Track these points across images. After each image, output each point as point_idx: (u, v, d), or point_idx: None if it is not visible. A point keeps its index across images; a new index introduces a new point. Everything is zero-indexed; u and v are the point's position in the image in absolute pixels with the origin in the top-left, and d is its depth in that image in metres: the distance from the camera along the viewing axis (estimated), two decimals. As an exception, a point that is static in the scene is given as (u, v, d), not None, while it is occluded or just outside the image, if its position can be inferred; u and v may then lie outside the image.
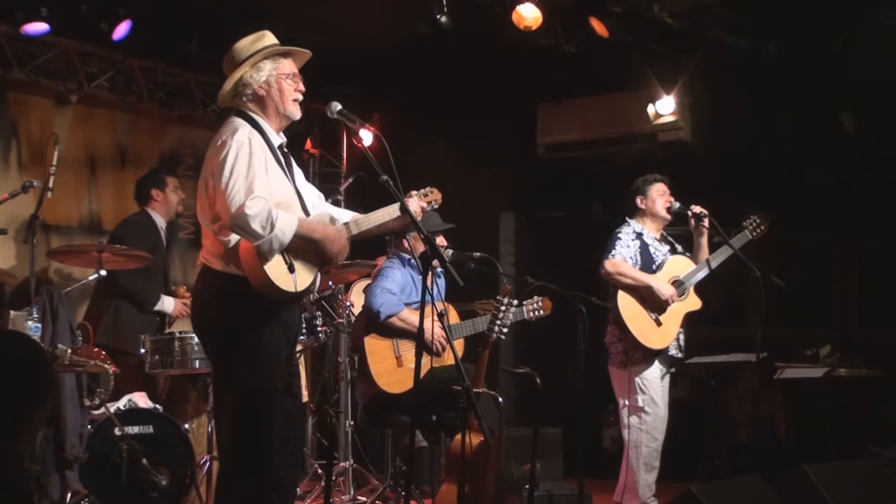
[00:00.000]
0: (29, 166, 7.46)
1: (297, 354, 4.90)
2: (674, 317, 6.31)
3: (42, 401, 2.66)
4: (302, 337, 6.05)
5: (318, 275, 4.56)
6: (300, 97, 4.59)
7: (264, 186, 4.28)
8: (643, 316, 6.25)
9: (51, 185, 5.99)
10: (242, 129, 4.38)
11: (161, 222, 7.23)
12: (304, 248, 4.40)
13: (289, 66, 4.56)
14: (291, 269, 4.32)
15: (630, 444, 6.29)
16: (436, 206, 5.07)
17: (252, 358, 4.36)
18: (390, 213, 4.65)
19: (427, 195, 4.99)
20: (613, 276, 6.28)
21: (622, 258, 6.29)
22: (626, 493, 6.26)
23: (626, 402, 6.31)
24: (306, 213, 4.56)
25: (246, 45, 4.55)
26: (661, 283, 6.26)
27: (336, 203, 7.36)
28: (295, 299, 4.50)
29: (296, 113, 4.59)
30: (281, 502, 4.51)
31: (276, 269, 4.28)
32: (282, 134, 4.62)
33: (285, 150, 4.61)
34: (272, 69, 4.52)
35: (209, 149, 4.43)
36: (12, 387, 2.59)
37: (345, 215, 4.72)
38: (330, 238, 4.46)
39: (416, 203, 4.85)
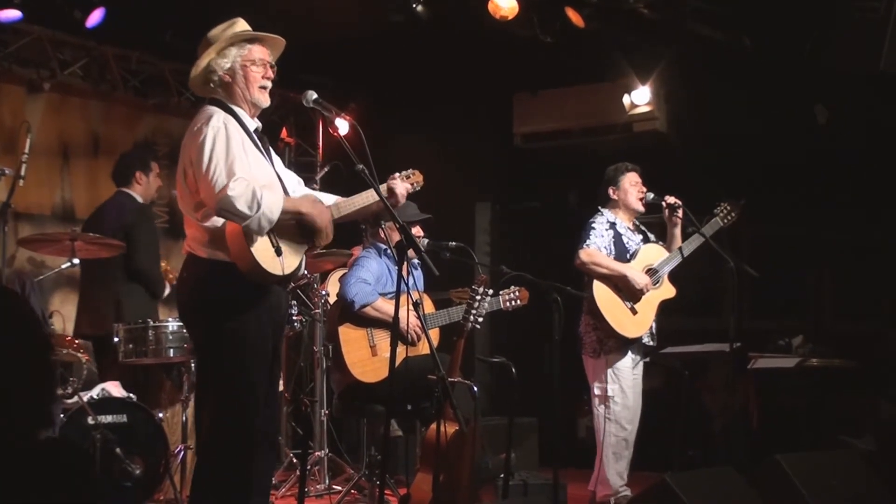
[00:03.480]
0: (0, 154, 7.40)
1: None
2: (649, 305, 6.33)
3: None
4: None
5: (304, 258, 4.53)
6: (268, 84, 4.53)
7: (245, 169, 4.25)
8: (618, 305, 6.26)
9: (23, 172, 5.95)
10: (217, 115, 4.36)
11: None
12: (291, 226, 4.38)
13: (258, 52, 4.50)
14: (279, 252, 4.30)
15: (598, 432, 6.32)
16: (418, 188, 4.98)
17: (238, 348, 4.34)
18: (373, 196, 4.59)
19: (409, 177, 4.93)
20: (588, 265, 6.28)
21: (597, 248, 6.30)
22: (600, 483, 6.28)
23: (597, 392, 6.33)
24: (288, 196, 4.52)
25: (217, 32, 4.52)
26: (635, 272, 6.27)
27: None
28: (282, 282, 4.48)
29: (263, 100, 4.53)
30: (257, 494, 4.48)
31: (263, 251, 4.26)
32: (256, 119, 4.58)
33: (261, 134, 4.58)
34: (237, 55, 4.47)
35: (185, 138, 4.40)
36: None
37: (326, 199, 4.67)
38: (318, 212, 4.43)
39: (400, 185, 4.78)
